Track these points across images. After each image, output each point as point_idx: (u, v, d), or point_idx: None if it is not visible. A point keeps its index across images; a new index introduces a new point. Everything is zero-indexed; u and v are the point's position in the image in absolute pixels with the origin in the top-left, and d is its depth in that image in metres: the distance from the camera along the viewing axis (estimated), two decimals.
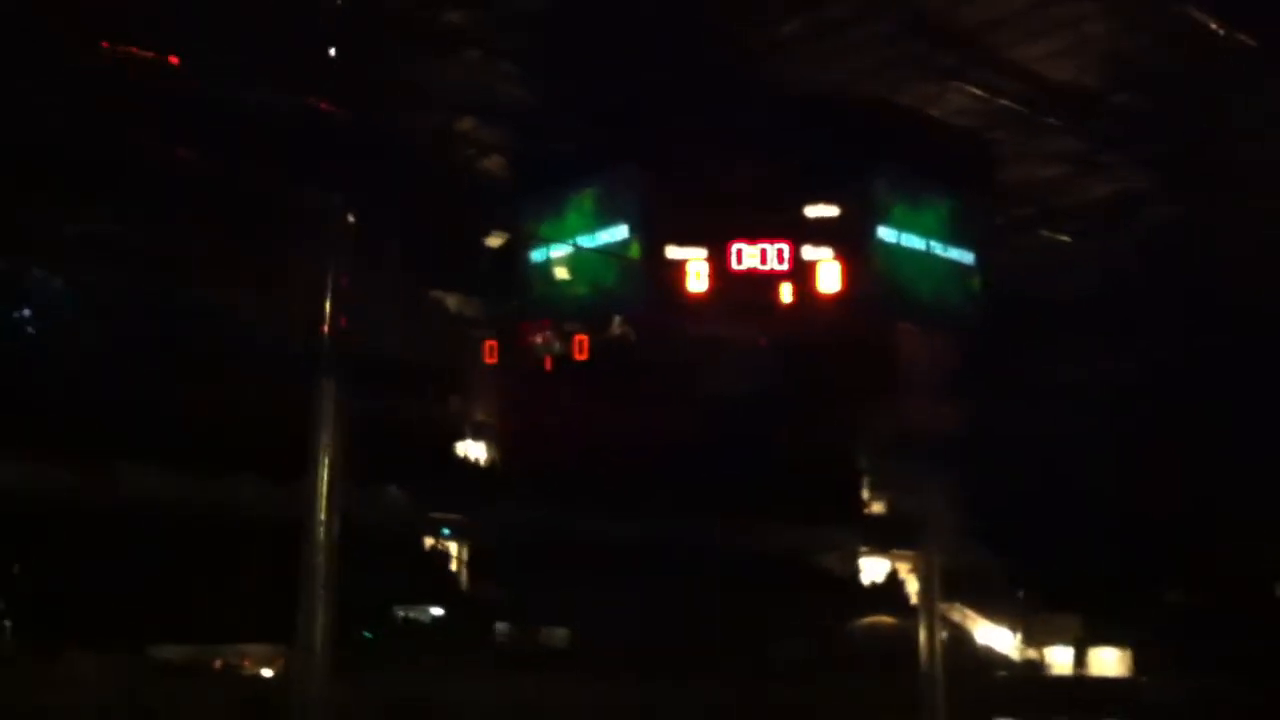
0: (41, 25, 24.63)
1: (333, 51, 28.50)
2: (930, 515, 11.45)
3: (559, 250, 34.77)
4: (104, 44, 26.10)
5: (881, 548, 40.47)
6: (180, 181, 24.76)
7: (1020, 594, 38.31)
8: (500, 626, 33.47)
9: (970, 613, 39.95)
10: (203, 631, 25.72)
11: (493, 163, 34.49)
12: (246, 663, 26.41)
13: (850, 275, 32.26)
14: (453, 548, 36.88)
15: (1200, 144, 32.32)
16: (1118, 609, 36.43)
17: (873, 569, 41.93)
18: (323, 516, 11.76)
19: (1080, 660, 38.54)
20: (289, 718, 12.39)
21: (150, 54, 26.36)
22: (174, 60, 27.00)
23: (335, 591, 11.60)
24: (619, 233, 33.77)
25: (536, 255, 34.40)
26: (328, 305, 10.87)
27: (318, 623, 11.64)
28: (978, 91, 30.43)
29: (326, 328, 11.12)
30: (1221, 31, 27.44)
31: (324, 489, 11.63)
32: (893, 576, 41.16)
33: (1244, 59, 28.49)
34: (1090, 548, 34.40)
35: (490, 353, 35.15)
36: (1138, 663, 36.97)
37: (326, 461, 11.69)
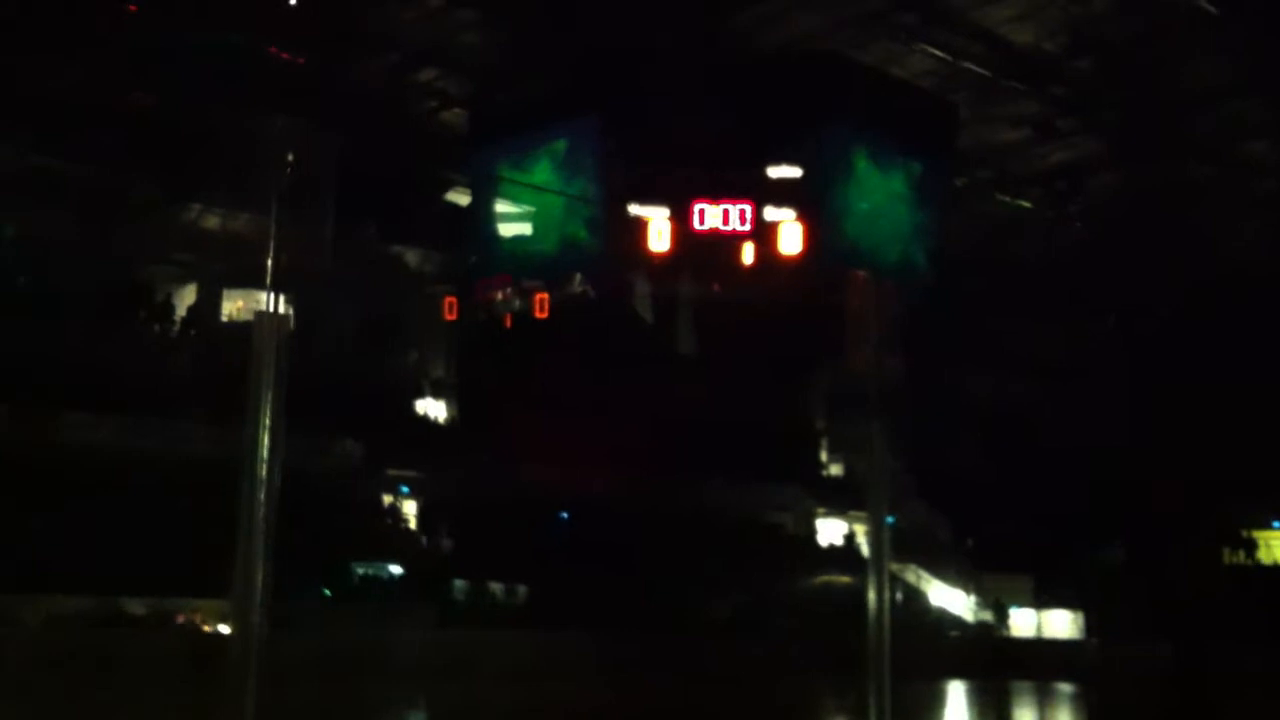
0: None
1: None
2: (877, 471, 11.45)
3: (519, 206, 34.43)
4: None
5: (839, 509, 40.66)
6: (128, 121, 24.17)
7: (969, 552, 38.59)
8: (459, 584, 33.47)
9: (925, 574, 40.27)
10: (165, 584, 25.52)
11: (453, 114, 34.09)
12: (197, 617, 26.30)
13: (811, 236, 32.08)
14: (411, 505, 36.74)
15: (1158, 111, 32.37)
16: (1069, 572, 36.76)
17: (830, 530, 42.18)
18: (265, 457, 11.43)
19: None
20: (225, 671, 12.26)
21: None
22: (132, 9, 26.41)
23: (272, 544, 11.36)
24: (580, 189, 33.45)
25: (496, 210, 34.06)
26: (271, 241, 10.58)
27: (257, 578, 11.37)
28: (940, 53, 30.27)
29: (270, 261, 10.84)
30: None
31: (265, 433, 11.32)
32: (850, 538, 41.39)
33: (1204, 26, 28.48)
34: (1043, 511, 34.67)
35: (450, 309, 34.88)
36: (1088, 625, 37.37)
37: (270, 397, 11.38)
